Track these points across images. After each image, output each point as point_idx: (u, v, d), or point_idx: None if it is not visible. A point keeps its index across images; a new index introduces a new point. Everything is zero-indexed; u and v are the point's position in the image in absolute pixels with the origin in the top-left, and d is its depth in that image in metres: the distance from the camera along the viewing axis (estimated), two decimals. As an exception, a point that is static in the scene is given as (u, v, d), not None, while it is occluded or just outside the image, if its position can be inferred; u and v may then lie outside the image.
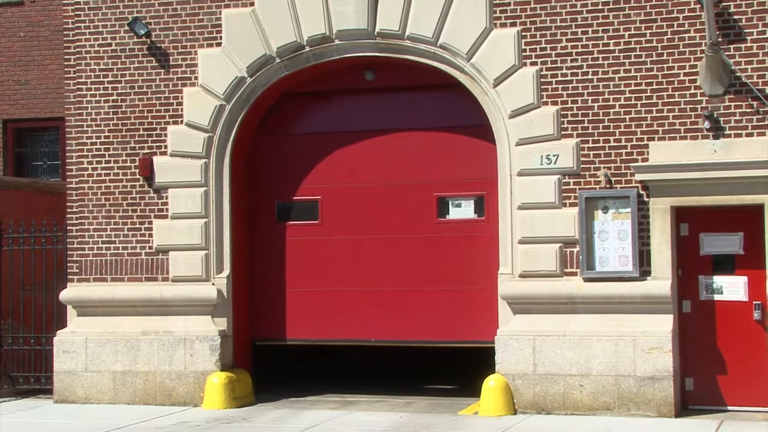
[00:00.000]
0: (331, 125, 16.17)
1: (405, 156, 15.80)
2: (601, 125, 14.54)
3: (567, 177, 14.66)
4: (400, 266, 15.75)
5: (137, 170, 16.21)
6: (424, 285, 15.63)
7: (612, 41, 14.50)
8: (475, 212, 15.55)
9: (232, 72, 15.87)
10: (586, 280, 14.51)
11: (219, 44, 15.96)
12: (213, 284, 15.88)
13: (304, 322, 16.18)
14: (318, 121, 16.28)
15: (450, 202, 15.66)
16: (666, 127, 14.30)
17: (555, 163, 14.66)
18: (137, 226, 16.20)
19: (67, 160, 16.67)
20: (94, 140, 16.41)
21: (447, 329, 15.52)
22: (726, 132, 14.11)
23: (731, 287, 14.34)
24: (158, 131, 16.17)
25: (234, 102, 15.91)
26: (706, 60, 13.99)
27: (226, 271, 15.90)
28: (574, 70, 14.63)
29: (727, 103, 14.10)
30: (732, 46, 14.08)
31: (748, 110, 14.05)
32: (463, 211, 15.59)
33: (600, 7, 14.54)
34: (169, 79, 16.15)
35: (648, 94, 14.36)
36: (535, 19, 14.77)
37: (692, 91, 14.22)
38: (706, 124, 14.12)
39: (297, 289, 16.23)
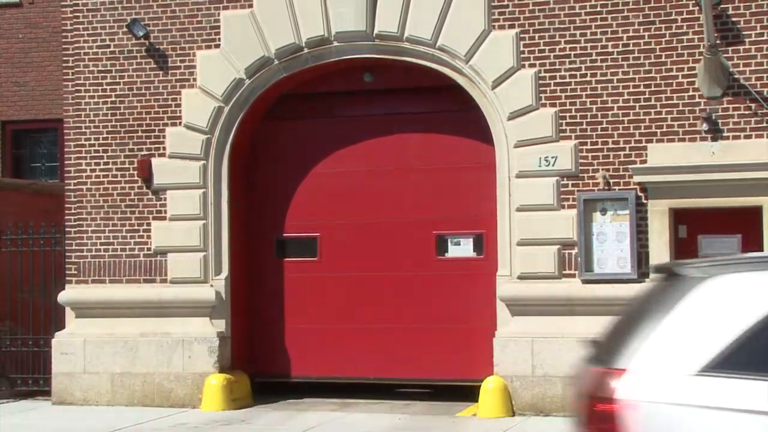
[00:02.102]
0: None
1: (405, 184, 15.79)
2: (599, 127, 14.55)
3: (565, 179, 14.67)
4: (399, 304, 15.77)
5: (136, 172, 16.20)
6: (424, 323, 15.65)
7: (610, 43, 14.51)
8: (474, 250, 15.57)
9: (230, 73, 15.87)
10: (585, 281, 14.51)
11: (217, 46, 15.96)
12: (211, 286, 15.87)
13: (303, 359, 16.17)
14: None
15: (449, 240, 15.68)
16: (664, 129, 14.31)
17: (553, 165, 14.66)
18: (136, 227, 16.20)
19: (66, 162, 16.67)
20: (92, 142, 16.40)
21: (446, 368, 15.49)
22: (724, 134, 14.12)
23: (730, 289, 14.32)
24: (157, 133, 16.17)
25: (233, 103, 15.91)
26: (705, 62, 14.00)
27: (225, 273, 15.90)
28: (573, 72, 14.64)
29: (725, 105, 14.12)
30: (730, 48, 14.09)
31: (747, 112, 14.06)
32: (462, 249, 15.62)
33: (598, 9, 14.55)
34: (168, 81, 16.16)
35: (646, 96, 14.37)
36: (533, 21, 14.78)
37: (690, 93, 14.23)
38: (705, 126, 14.13)
39: (296, 325, 16.24)
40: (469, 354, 15.30)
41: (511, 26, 14.87)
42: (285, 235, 16.32)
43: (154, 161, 16.16)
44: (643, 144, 14.37)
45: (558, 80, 14.70)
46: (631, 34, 14.44)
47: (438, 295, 15.63)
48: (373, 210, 15.93)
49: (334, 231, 16.09)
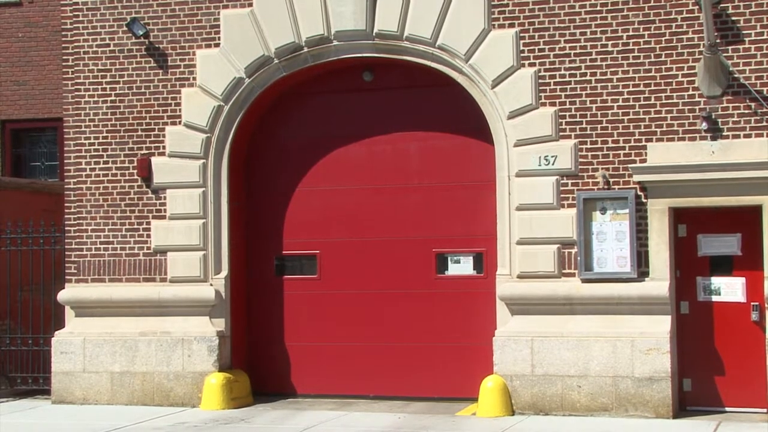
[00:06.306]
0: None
1: (405, 202, 15.80)
2: (599, 126, 14.55)
3: (565, 178, 14.67)
4: (399, 322, 15.79)
5: (135, 171, 16.21)
6: (423, 341, 15.65)
7: (610, 42, 14.51)
8: (474, 269, 15.57)
9: (230, 73, 15.87)
10: (584, 281, 14.51)
11: (217, 45, 15.96)
12: (211, 285, 15.87)
13: (303, 377, 16.19)
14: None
15: (449, 258, 15.68)
16: (664, 128, 14.31)
17: (553, 164, 14.67)
18: (135, 226, 16.20)
19: (65, 161, 16.67)
20: (92, 141, 16.41)
21: (446, 386, 15.52)
22: (724, 133, 14.12)
23: (729, 288, 14.35)
24: (156, 132, 16.17)
25: (232, 103, 15.91)
26: (705, 61, 14.00)
27: (224, 272, 15.90)
28: (573, 71, 14.64)
29: (725, 105, 14.12)
30: (730, 48, 14.09)
31: (746, 111, 14.06)
32: (462, 267, 15.62)
33: (598, 8, 14.55)
34: (168, 80, 16.16)
35: (646, 95, 14.37)
36: (533, 20, 14.78)
37: (690, 92, 14.23)
38: (704, 125, 14.13)
39: (295, 343, 16.24)
40: (469, 372, 15.28)
41: (511, 25, 14.87)
42: (292, 252, 16.33)
43: (154, 160, 16.16)
44: (643, 143, 14.37)
45: (558, 79, 14.70)
46: (630, 33, 14.44)
47: (437, 314, 15.62)
48: (373, 228, 15.93)
49: (334, 248, 16.10)
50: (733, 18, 14.08)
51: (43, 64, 21.41)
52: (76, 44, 16.53)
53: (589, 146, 14.58)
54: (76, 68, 16.51)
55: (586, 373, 14.30)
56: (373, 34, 15.40)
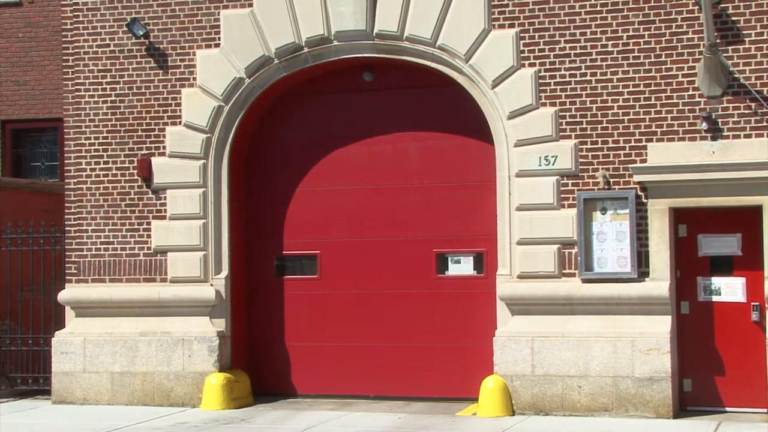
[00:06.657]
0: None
1: (405, 202, 15.81)
2: (599, 126, 14.55)
3: (565, 178, 14.67)
4: (399, 322, 15.79)
5: (135, 171, 16.21)
6: (423, 341, 15.65)
7: (610, 42, 14.51)
8: (474, 269, 15.57)
9: (230, 73, 15.87)
10: (585, 281, 14.51)
11: (217, 45, 15.96)
12: (211, 285, 15.87)
13: (303, 377, 16.20)
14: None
15: (449, 258, 15.68)
16: (664, 129, 14.31)
17: (553, 164, 14.67)
18: (135, 226, 16.21)
19: (66, 161, 16.67)
20: (92, 141, 16.41)
21: (446, 386, 15.52)
22: (724, 133, 14.12)
23: (729, 288, 14.35)
24: (156, 132, 16.17)
25: (232, 103, 15.91)
26: (705, 61, 14.00)
27: (225, 272, 15.90)
28: (573, 72, 14.64)
29: (725, 105, 14.12)
30: (730, 48, 14.09)
31: (747, 111, 14.06)
32: (462, 267, 15.62)
33: (598, 8, 14.55)
34: (168, 80, 16.16)
35: (646, 95, 14.37)
36: (533, 20, 14.78)
37: (690, 92, 14.23)
38: (705, 126, 14.13)
39: (296, 343, 16.25)
40: (469, 372, 15.28)
41: (511, 25, 14.87)
42: (292, 252, 16.34)
43: (154, 160, 16.16)
44: (643, 143, 14.37)
45: (558, 79, 14.70)
46: (630, 33, 14.44)
47: (438, 314, 15.62)
48: (373, 228, 15.93)
49: (334, 249, 16.10)
50: (733, 18, 14.09)
51: (43, 64, 21.41)
52: (76, 44, 16.53)
53: (589, 146, 14.58)
54: (76, 68, 16.51)
55: (586, 373, 14.30)
56: (373, 35, 15.40)
